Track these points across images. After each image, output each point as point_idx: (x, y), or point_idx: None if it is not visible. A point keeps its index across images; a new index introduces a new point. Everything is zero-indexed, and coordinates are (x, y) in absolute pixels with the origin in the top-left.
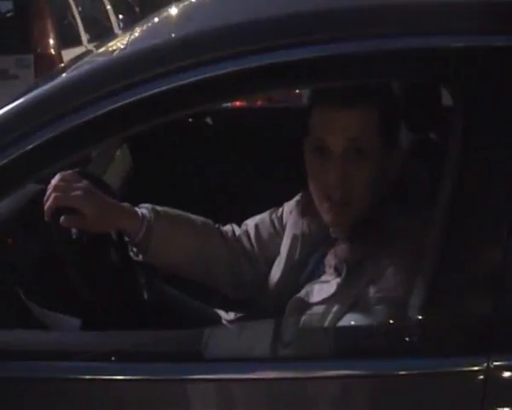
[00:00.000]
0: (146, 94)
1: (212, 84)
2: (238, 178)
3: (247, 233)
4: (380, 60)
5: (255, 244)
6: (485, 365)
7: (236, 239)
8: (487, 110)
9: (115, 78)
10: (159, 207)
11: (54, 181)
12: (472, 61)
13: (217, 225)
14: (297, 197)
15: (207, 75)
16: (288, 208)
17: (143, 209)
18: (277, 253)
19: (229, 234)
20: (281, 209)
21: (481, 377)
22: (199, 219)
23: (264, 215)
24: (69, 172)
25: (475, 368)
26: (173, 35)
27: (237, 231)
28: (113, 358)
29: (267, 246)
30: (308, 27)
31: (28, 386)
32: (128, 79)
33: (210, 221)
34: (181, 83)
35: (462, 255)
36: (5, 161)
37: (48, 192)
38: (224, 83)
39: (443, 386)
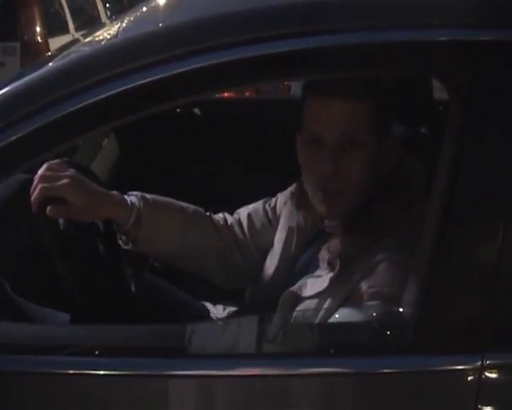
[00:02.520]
0: (135, 84)
1: (202, 75)
2: (226, 168)
3: (239, 222)
4: (373, 52)
5: (247, 233)
6: (479, 363)
7: (228, 228)
8: (483, 106)
9: (103, 67)
10: (148, 195)
11: (40, 171)
12: (467, 55)
13: (208, 213)
14: (291, 188)
15: (197, 65)
16: (282, 199)
17: (132, 197)
18: (269, 243)
19: (221, 222)
20: (274, 199)
21: (475, 375)
22: (190, 207)
23: (258, 205)
24: (56, 161)
25: (469, 366)
26: (162, 25)
27: (229, 219)
28: (97, 352)
29: (259, 236)
30: (299, 19)
31: (13, 380)
32: (116, 69)
33: (201, 209)
34: (171, 73)
35: (456, 253)
36: None
37: (34, 183)
38: (213, 73)
39: (436, 384)
